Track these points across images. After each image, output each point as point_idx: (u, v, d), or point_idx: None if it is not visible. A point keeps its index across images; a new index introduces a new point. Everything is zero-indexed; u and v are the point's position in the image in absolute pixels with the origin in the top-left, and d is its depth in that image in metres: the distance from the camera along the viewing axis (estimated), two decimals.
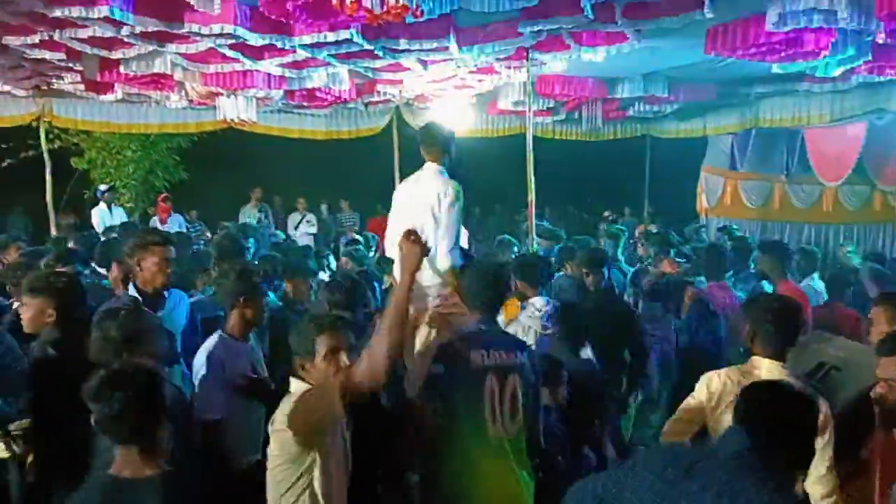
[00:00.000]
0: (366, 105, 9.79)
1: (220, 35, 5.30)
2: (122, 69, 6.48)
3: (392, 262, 4.11)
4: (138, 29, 5.18)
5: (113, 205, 11.02)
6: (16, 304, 3.92)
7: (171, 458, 2.37)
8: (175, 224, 10.86)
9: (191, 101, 8.72)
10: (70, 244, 6.55)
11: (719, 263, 5.69)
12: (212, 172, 15.81)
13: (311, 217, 13.59)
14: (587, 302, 4.92)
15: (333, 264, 7.64)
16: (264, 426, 3.58)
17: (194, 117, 9.77)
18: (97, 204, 10.98)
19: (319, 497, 2.76)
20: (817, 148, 10.29)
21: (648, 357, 4.61)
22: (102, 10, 4.66)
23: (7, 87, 8.25)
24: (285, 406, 2.75)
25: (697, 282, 5.76)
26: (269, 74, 6.88)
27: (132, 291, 3.89)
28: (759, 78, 7.92)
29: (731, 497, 1.97)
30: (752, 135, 11.04)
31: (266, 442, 3.38)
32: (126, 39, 5.57)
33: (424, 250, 2.88)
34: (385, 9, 3.94)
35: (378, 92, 8.58)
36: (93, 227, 10.09)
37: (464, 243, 4.37)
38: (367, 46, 5.67)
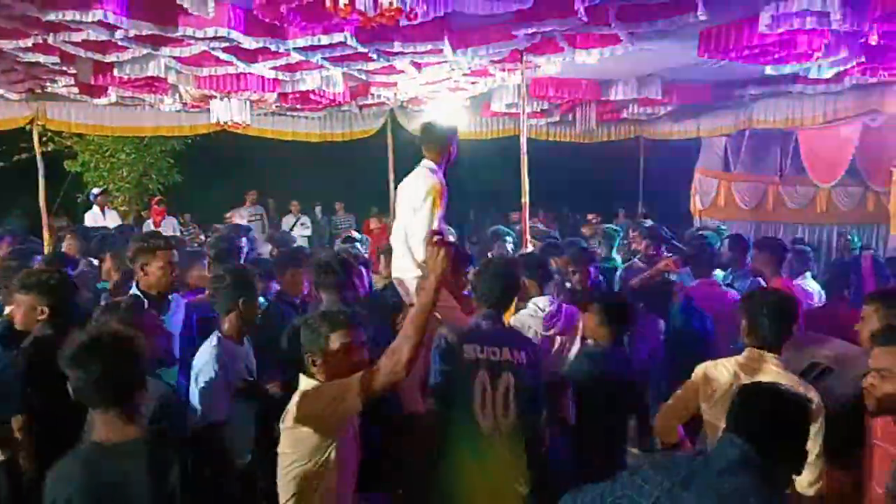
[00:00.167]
0: (360, 108, 9.79)
1: (214, 38, 5.30)
2: (115, 72, 6.47)
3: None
4: (132, 32, 5.17)
5: (106, 208, 10.99)
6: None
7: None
8: (169, 227, 10.84)
9: (184, 104, 8.71)
10: (66, 243, 6.54)
11: (706, 260, 5.67)
12: (205, 175, 15.81)
13: (305, 219, 13.61)
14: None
15: None
16: (255, 429, 3.62)
17: (188, 120, 9.74)
18: (91, 207, 10.96)
19: (333, 492, 2.77)
20: (811, 149, 10.33)
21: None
22: (96, 14, 4.65)
23: (0, 91, 8.22)
24: (297, 402, 2.75)
25: (681, 276, 5.78)
26: (262, 77, 6.88)
27: (136, 294, 3.87)
28: (753, 80, 7.95)
29: None
30: (745, 136, 11.07)
31: (258, 443, 3.41)
32: (120, 43, 5.57)
33: (450, 251, 2.86)
34: (378, 11, 3.94)
35: (372, 94, 8.58)
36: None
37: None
38: (360, 49, 5.67)
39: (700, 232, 8.34)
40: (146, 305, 3.77)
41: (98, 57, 6.00)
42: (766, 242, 5.96)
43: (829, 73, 6.31)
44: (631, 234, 7.94)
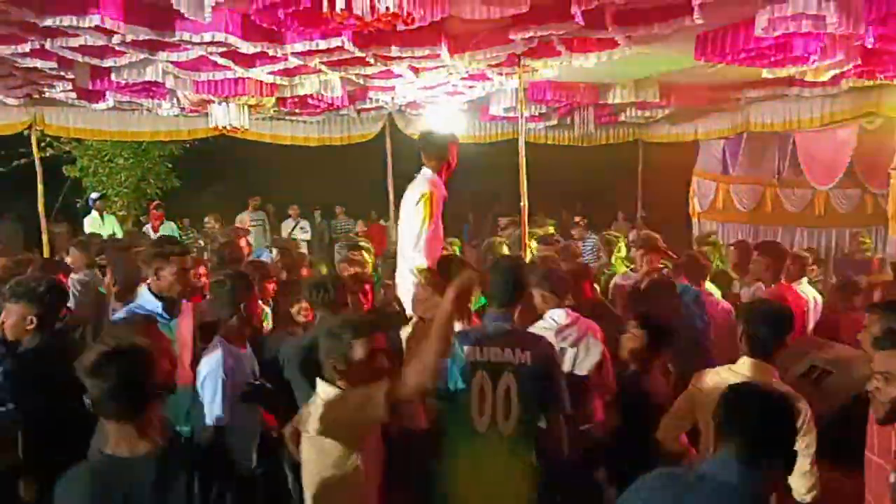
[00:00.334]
0: (358, 112, 9.79)
1: (212, 43, 5.30)
2: (113, 77, 6.47)
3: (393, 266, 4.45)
4: (129, 37, 5.17)
5: (105, 213, 10.99)
6: None
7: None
8: (167, 232, 10.85)
9: (182, 109, 8.71)
10: (71, 256, 6.53)
11: (700, 269, 5.66)
12: (204, 180, 15.82)
13: (304, 223, 13.62)
14: None
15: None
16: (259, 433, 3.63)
17: (186, 125, 9.75)
18: (89, 212, 10.96)
19: (357, 498, 2.80)
20: (808, 152, 10.35)
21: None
22: (94, 19, 4.65)
23: None
24: (322, 410, 2.76)
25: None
26: (260, 82, 6.88)
27: (149, 297, 3.87)
28: (750, 83, 7.96)
29: None
30: (743, 139, 11.09)
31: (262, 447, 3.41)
32: (117, 48, 5.57)
33: (477, 277, 2.96)
34: (375, 16, 3.95)
35: (370, 98, 8.58)
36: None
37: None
38: (358, 53, 5.68)
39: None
40: (161, 309, 3.79)
41: (95, 62, 6.01)
42: (767, 248, 5.97)
43: (825, 76, 6.32)
44: (630, 239, 7.97)
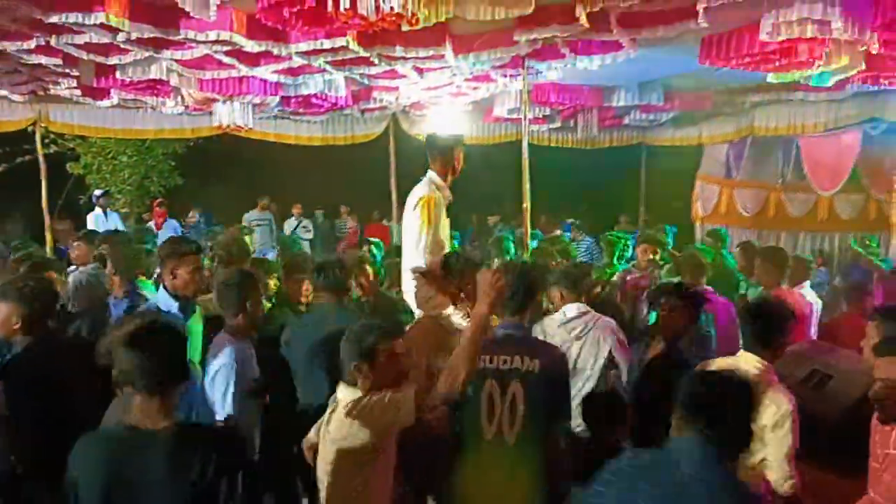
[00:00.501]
0: (362, 112, 9.79)
1: (216, 41, 5.32)
2: (118, 75, 6.49)
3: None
4: (134, 35, 5.18)
5: (108, 210, 11.01)
6: None
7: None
8: (170, 229, 10.86)
9: (187, 107, 8.72)
10: (76, 251, 6.54)
11: (699, 267, 5.67)
12: (207, 178, 15.83)
13: (307, 223, 13.61)
14: None
15: None
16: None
17: (190, 123, 9.76)
18: (93, 209, 10.98)
19: (370, 492, 2.82)
20: (812, 156, 10.32)
21: None
22: (99, 17, 4.67)
23: (3, 92, 8.24)
24: (350, 413, 2.76)
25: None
26: (265, 81, 6.89)
27: (165, 297, 3.88)
28: (755, 87, 7.95)
29: None
30: (747, 143, 11.07)
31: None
32: (122, 45, 5.58)
33: (504, 289, 2.97)
34: (380, 16, 3.95)
35: (374, 99, 8.60)
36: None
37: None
38: (362, 53, 5.68)
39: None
40: (176, 309, 3.80)
41: (100, 59, 6.02)
42: (769, 252, 5.97)
43: (830, 81, 6.31)
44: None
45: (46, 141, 11.27)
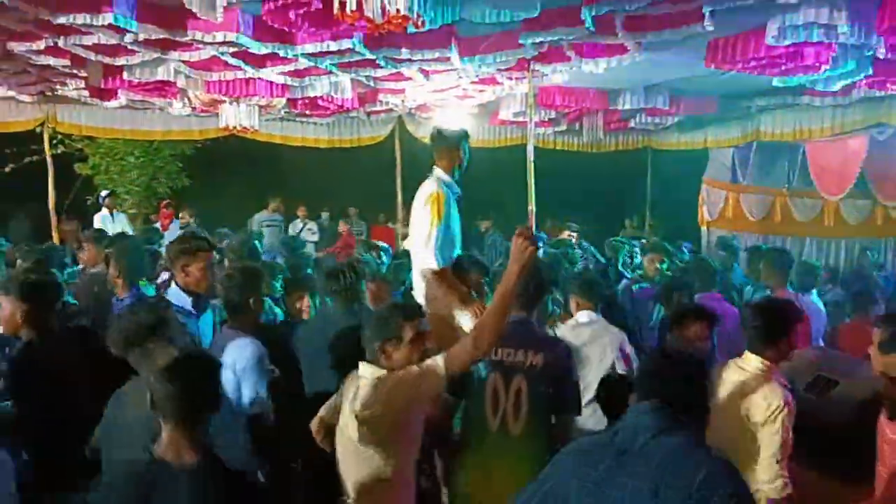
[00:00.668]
0: (368, 114, 9.82)
1: (223, 43, 5.34)
2: (125, 76, 6.52)
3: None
4: (142, 36, 5.22)
5: (115, 210, 11.06)
6: None
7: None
8: (176, 230, 10.88)
9: (194, 109, 8.76)
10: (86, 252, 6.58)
11: (709, 274, 5.65)
12: (214, 179, 15.86)
13: (312, 225, 13.60)
14: None
15: None
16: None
17: (198, 124, 9.82)
18: (100, 210, 11.03)
19: (397, 475, 2.85)
20: (818, 161, 10.28)
21: None
22: (107, 18, 4.70)
23: (12, 93, 8.30)
24: (366, 390, 2.79)
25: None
26: (271, 82, 6.92)
27: (178, 293, 3.87)
28: (761, 91, 7.94)
29: (670, 477, 2.06)
30: (753, 148, 11.04)
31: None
32: (130, 47, 5.61)
33: (535, 247, 2.96)
34: (386, 18, 3.96)
35: (380, 101, 8.62)
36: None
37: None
38: (368, 56, 5.70)
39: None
40: (190, 305, 3.80)
41: (108, 60, 6.06)
42: (772, 254, 5.95)
43: (836, 86, 6.30)
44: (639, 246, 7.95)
45: (54, 141, 11.33)
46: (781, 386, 3.15)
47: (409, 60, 5.97)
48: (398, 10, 3.93)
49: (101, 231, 7.87)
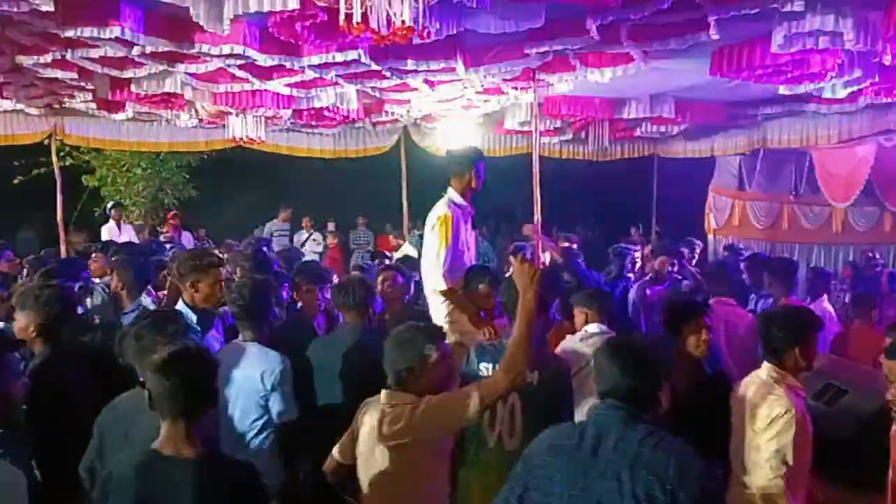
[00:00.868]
0: (373, 124, 9.84)
1: (230, 55, 5.36)
2: (133, 88, 6.55)
3: None
4: (149, 49, 5.24)
5: (122, 222, 11.10)
6: None
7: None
8: (184, 241, 10.91)
9: (200, 120, 8.80)
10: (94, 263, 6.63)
11: (723, 280, 5.62)
12: (220, 190, 15.91)
13: (317, 235, 13.62)
14: None
15: None
16: None
17: (204, 136, 9.86)
18: (107, 221, 11.07)
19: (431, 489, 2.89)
20: (826, 169, 10.27)
21: None
22: (114, 31, 4.72)
23: (20, 106, 8.34)
24: (399, 419, 2.77)
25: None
26: (277, 94, 6.94)
27: (182, 309, 3.84)
28: (767, 99, 7.92)
29: (645, 465, 2.19)
30: (759, 155, 11.02)
31: None
32: (137, 59, 5.64)
33: (536, 270, 3.03)
34: (392, 30, 3.97)
35: (386, 111, 8.64)
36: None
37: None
38: (374, 67, 5.71)
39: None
40: (195, 322, 3.79)
41: (115, 73, 6.09)
42: (775, 263, 5.94)
43: (843, 93, 6.29)
44: (645, 253, 7.93)
45: (62, 153, 11.39)
46: (791, 394, 3.13)
47: (415, 71, 5.98)
48: (403, 22, 3.94)
49: (111, 244, 7.92)
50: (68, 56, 5.52)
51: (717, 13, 4.46)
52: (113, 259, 5.92)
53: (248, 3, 4.17)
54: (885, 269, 8.93)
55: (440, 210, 4.48)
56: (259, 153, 10.04)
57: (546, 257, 6.81)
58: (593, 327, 4.28)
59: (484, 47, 5.66)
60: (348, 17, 3.83)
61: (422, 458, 2.81)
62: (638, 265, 7.56)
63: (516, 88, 7.10)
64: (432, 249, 4.42)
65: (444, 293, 4.34)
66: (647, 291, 6.47)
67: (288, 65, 5.66)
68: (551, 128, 9.33)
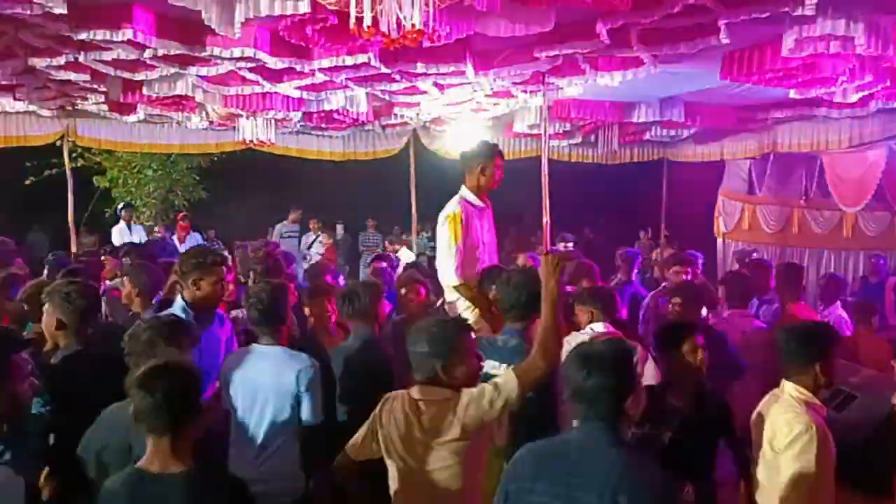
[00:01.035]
0: (383, 127, 9.85)
1: (241, 58, 5.39)
2: (144, 90, 6.59)
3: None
4: (161, 52, 5.27)
5: (132, 223, 11.16)
6: None
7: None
8: (193, 243, 10.96)
9: (211, 123, 8.84)
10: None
11: (741, 291, 5.56)
12: (231, 192, 15.98)
13: (324, 237, 13.67)
14: None
15: None
16: None
17: (215, 138, 9.90)
18: (118, 222, 11.13)
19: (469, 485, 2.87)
20: (836, 173, 10.20)
21: None
22: (126, 34, 4.75)
23: (33, 107, 8.41)
24: (444, 414, 2.78)
25: None
26: (288, 96, 6.97)
27: (181, 307, 3.86)
28: (777, 103, 7.90)
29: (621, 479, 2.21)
30: (770, 159, 10.97)
31: None
32: (149, 62, 5.67)
33: (560, 263, 3.08)
34: (401, 33, 3.99)
35: (395, 114, 8.65)
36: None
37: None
38: (384, 70, 5.73)
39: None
40: (193, 319, 3.78)
41: (127, 75, 6.12)
42: (783, 268, 5.91)
43: (854, 98, 6.26)
44: (653, 258, 7.91)
45: (74, 155, 11.46)
46: (811, 412, 3.05)
47: (425, 74, 5.99)
48: (413, 26, 3.95)
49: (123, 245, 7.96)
50: (81, 58, 5.56)
51: (728, 17, 4.44)
52: (126, 264, 5.93)
53: (260, 6, 4.19)
54: (889, 276, 8.89)
55: (449, 208, 4.61)
56: (269, 155, 10.07)
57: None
58: (599, 326, 4.27)
59: (493, 51, 5.66)
60: (358, 20, 3.84)
61: (471, 449, 2.81)
62: (653, 269, 7.53)
63: (526, 92, 7.10)
64: (442, 247, 4.57)
65: (456, 288, 4.41)
66: (660, 301, 6.42)
67: (298, 68, 5.69)
68: (560, 131, 9.33)
